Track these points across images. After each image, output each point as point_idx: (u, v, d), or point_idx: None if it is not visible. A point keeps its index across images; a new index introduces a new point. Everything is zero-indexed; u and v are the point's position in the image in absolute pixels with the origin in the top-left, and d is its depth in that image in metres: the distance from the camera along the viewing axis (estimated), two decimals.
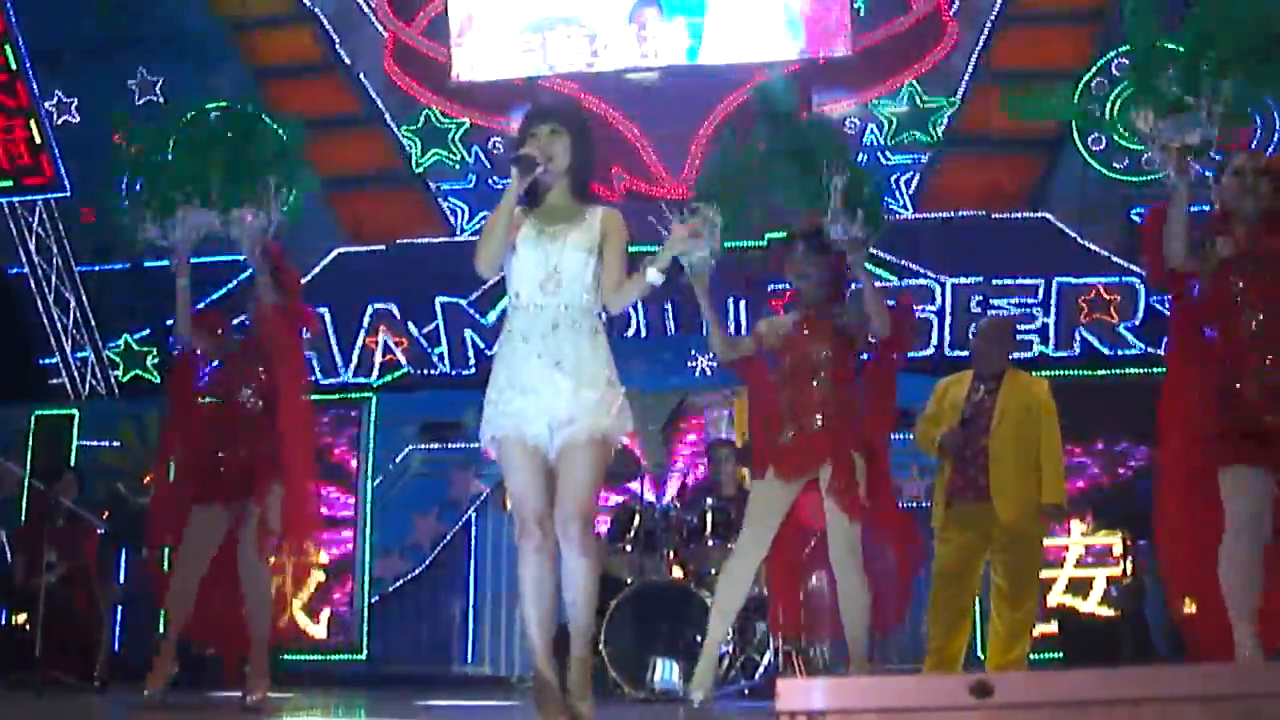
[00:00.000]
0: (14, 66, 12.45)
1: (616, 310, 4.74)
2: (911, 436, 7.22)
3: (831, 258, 6.00)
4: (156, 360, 12.38)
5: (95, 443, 11.37)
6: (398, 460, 10.95)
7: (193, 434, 6.76)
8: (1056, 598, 9.81)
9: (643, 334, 11.45)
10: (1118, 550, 9.43)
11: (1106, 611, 9.67)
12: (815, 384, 5.92)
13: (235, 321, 7.29)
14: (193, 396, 6.92)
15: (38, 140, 12.46)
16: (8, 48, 12.45)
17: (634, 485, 8.72)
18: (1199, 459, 5.21)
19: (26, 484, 10.06)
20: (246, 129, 6.59)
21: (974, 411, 6.88)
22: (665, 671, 7.55)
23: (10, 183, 12.59)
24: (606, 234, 4.58)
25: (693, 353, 10.52)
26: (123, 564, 10.32)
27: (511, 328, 4.56)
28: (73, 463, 10.86)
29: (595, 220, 4.60)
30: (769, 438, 6.03)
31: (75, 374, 12.58)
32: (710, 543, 7.95)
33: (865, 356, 6.14)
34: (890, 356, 6.13)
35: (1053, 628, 9.14)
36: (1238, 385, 5.12)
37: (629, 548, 8.10)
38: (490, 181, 11.46)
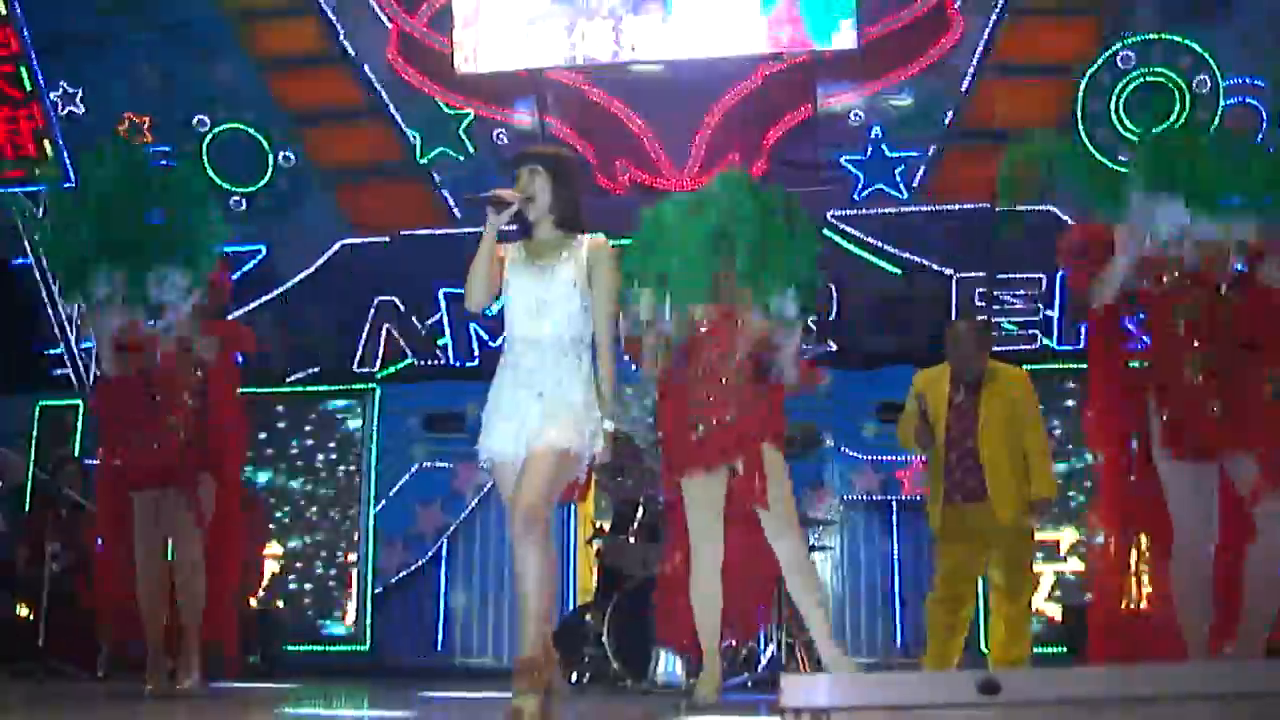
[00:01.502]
0: (19, 58, 12.44)
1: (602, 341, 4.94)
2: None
3: None
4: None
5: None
6: (401, 451, 10.96)
7: (126, 422, 6.82)
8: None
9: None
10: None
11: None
12: (724, 380, 6.02)
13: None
14: (119, 413, 6.96)
15: (42, 131, 12.45)
16: (13, 39, 12.44)
17: (636, 478, 8.68)
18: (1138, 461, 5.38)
19: (30, 474, 10.06)
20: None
21: (957, 415, 6.91)
22: (668, 664, 7.55)
23: (14, 173, 12.57)
24: (594, 265, 4.87)
25: None
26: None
27: (505, 359, 4.89)
28: (76, 453, 10.86)
29: (582, 251, 4.88)
30: (681, 434, 6.08)
31: (80, 364, 12.57)
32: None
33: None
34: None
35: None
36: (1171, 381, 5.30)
37: (632, 540, 8.09)
38: (494, 175, 11.43)
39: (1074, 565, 10.32)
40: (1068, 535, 10.38)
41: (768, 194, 6.38)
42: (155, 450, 6.68)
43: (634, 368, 6.60)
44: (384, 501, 10.92)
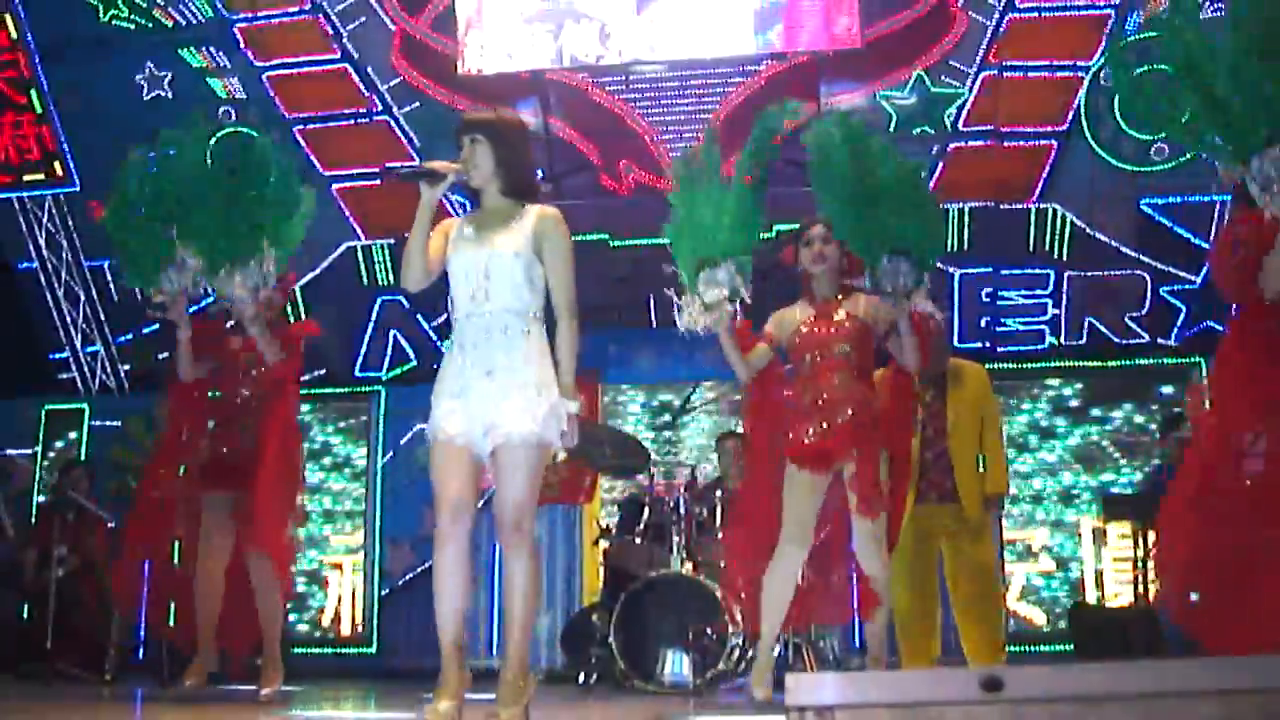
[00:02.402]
0: (22, 62, 12.46)
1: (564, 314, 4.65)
2: None
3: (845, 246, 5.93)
4: (166, 355, 12.38)
5: (105, 437, 11.40)
6: (407, 453, 10.96)
7: (196, 425, 6.80)
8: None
9: (653, 325, 11.43)
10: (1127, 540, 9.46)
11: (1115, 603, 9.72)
12: (836, 378, 5.88)
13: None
14: (191, 416, 6.94)
15: (47, 136, 12.47)
16: (19, 49, 12.46)
17: (643, 477, 8.69)
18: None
19: (37, 478, 10.08)
20: (242, 160, 6.57)
21: (927, 414, 6.87)
22: (675, 664, 7.56)
23: (19, 178, 12.61)
24: (543, 234, 4.60)
25: (702, 344, 10.49)
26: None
27: (453, 336, 4.65)
28: (83, 457, 10.88)
29: (529, 221, 4.63)
30: (792, 433, 5.95)
31: (85, 368, 12.60)
32: (720, 535, 7.94)
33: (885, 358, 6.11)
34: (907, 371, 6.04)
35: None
36: None
37: (638, 540, 8.10)
38: None
39: (1045, 565, 10.32)
40: (1040, 535, 10.39)
41: (861, 131, 5.88)
42: (227, 453, 6.66)
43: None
44: (390, 504, 10.92)
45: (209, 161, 6.73)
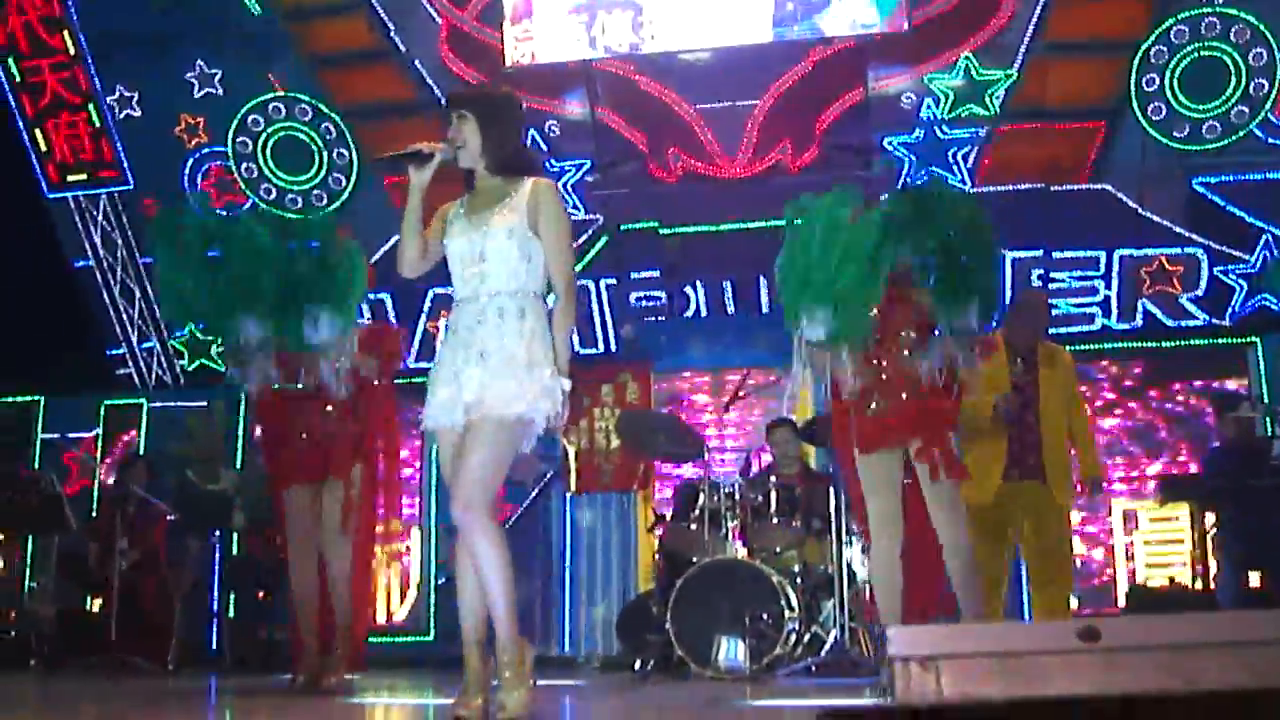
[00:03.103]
0: (77, 64, 12.61)
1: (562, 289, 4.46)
2: None
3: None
4: (221, 349, 12.53)
5: (163, 431, 11.53)
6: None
7: (279, 420, 6.84)
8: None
9: (703, 314, 11.48)
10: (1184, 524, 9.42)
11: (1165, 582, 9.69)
12: (902, 356, 5.85)
13: None
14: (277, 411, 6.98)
15: (100, 135, 12.62)
16: (70, 46, 12.62)
17: (697, 464, 8.71)
18: None
19: (97, 472, 10.22)
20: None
21: (1017, 390, 6.82)
22: (730, 650, 7.56)
23: (75, 177, 12.77)
24: (537, 206, 4.39)
25: (753, 332, 10.54)
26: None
27: (449, 321, 4.49)
28: (141, 451, 11.02)
29: (522, 197, 4.41)
30: (858, 411, 5.92)
31: (142, 364, 12.75)
32: (775, 520, 7.95)
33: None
34: None
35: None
36: None
37: (693, 526, 8.11)
38: (547, 164, 11.49)
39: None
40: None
41: (954, 198, 6.05)
42: (309, 445, 6.66)
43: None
44: (444, 493, 10.98)
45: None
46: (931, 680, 1.98)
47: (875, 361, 5.86)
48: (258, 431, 7.01)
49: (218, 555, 10.45)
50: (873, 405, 5.80)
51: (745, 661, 7.37)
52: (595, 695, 6.70)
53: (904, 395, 5.78)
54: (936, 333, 5.79)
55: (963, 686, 2.00)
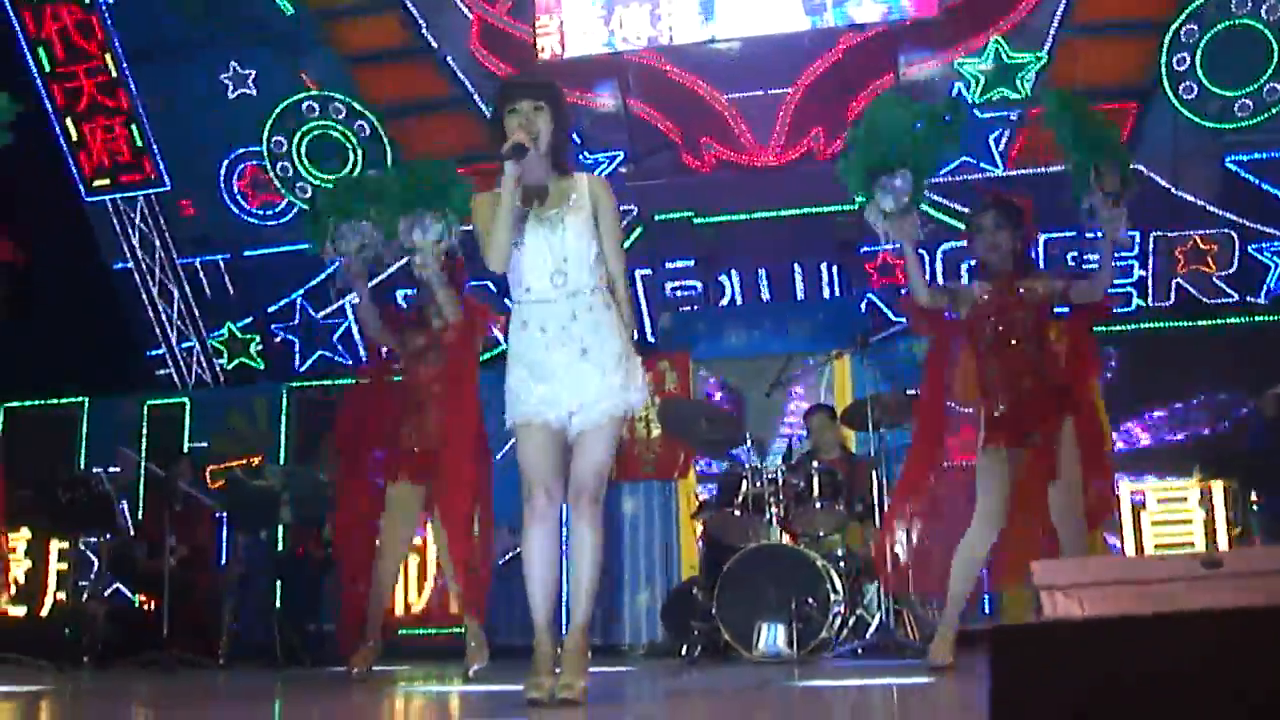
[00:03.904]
0: (113, 68, 12.73)
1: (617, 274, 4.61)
2: None
3: (1019, 229, 5.99)
4: (260, 347, 12.66)
5: (205, 430, 11.64)
6: (507, 437, 11.05)
7: (382, 413, 6.90)
8: None
9: (738, 301, 11.54)
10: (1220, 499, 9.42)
11: None
12: (1021, 352, 5.89)
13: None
14: (381, 381, 7.06)
15: (137, 138, 12.74)
16: (106, 50, 12.74)
17: (740, 451, 8.77)
18: None
19: (143, 470, 10.33)
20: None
21: None
22: (770, 636, 7.62)
23: (112, 180, 12.90)
24: (598, 203, 4.50)
25: (789, 318, 10.60)
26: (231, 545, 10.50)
27: (526, 319, 4.46)
28: (185, 448, 11.13)
29: (584, 195, 4.50)
30: (983, 412, 5.95)
31: (181, 364, 12.88)
32: (818, 505, 8.00)
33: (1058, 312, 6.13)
34: (1086, 311, 6.06)
35: None
36: None
37: (737, 513, 8.17)
38: (580, 157, 11.55)
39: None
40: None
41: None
42: (414, 442, 6.71)
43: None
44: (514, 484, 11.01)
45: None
46: (1075, 606, 2.12)
47: (993, 358, 5.92)
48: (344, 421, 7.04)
49: (266, 551, 10.55)
50: (998, 404, 5.87)
51: (790, 646, 7.43)
52: (646, 680, 6.77)
53: (1025, 390, 5.85)
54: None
55: (1102, 611, 2.16)
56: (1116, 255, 10.63)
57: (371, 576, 6.70)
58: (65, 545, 10.34)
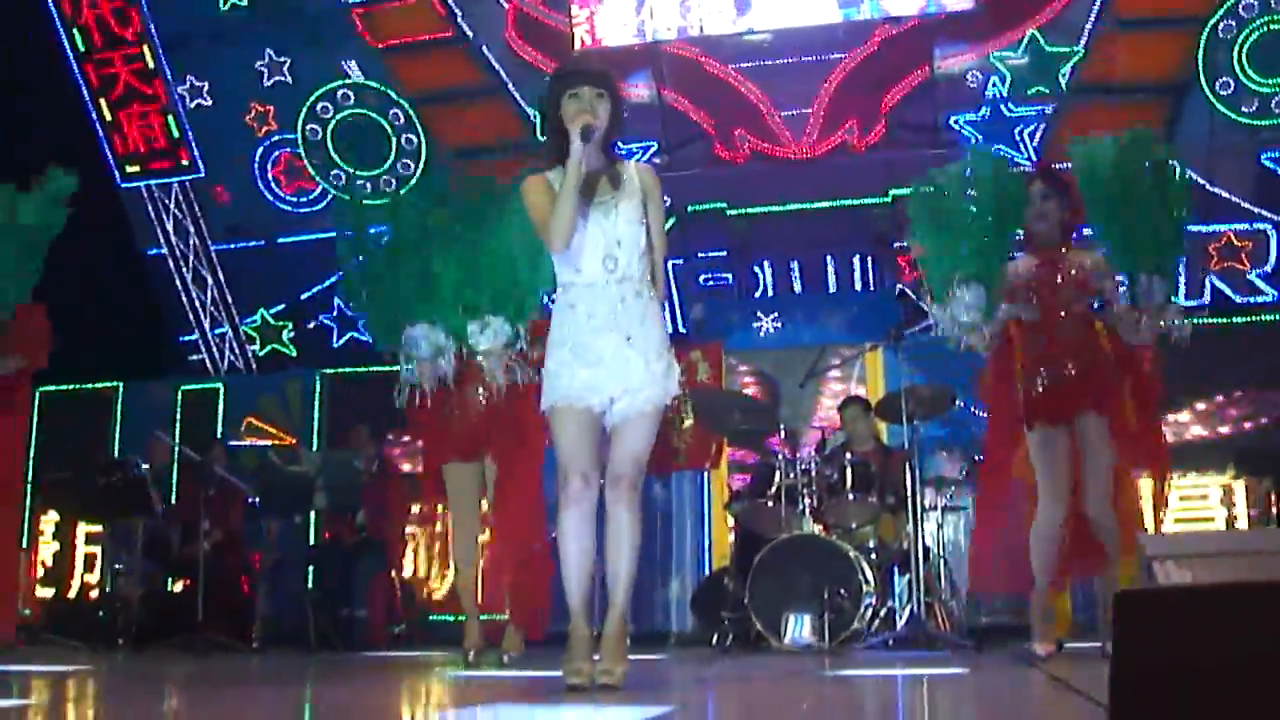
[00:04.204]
0: (149, 58, 12.80)
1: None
2: None
3: (1066, 199, 5.93)
4: (292, 334, 12.72)
5: (238, 415, 11.71)
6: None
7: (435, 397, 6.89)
8: None
9: (769, 293, 11.55)
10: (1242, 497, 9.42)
11: None
12: (1064, 329, 5.87)
13: None
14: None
15: (173, 128, 12.81)
16: (142, 37, 12.81)
17: (774, 441, 8.78)
18: None
19: (177, 455, 10.39)
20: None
21: None
22: (797, 627, 7.63)
23: (146, 166, 12.97)
24: (647, 192, 4.53)
25: (822, 309, 10.61)
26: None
27: (574, 303, 4.48)
28: (219, 434, 11.19)
29: (635, 182, 4.53)
30: (1024, 391, 5.93)
31: (214, 350, 12.95)
32: (851, 496, 8.01)
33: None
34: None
35: None
36: None
37: (770, 503, 8.19)
38: (615, 146, 11.54)
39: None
40: None
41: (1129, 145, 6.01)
42: (461, 421, 6.66)
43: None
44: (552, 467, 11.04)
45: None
46: (1187, 575, 2.17)
47: (1042, 327, 5.90)
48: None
49: (299, 536, 10.62)
50: (1041, 380, 5.86)
51: (820, 637, 7.44)
52: (680, 667, 6.79)
53: (1070, 367, 5.84)
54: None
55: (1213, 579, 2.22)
56: None
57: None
58: (92, 529, 10.41)
